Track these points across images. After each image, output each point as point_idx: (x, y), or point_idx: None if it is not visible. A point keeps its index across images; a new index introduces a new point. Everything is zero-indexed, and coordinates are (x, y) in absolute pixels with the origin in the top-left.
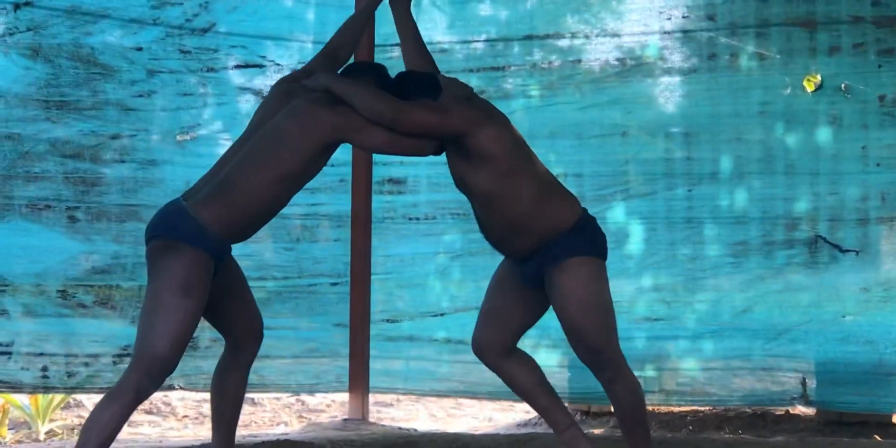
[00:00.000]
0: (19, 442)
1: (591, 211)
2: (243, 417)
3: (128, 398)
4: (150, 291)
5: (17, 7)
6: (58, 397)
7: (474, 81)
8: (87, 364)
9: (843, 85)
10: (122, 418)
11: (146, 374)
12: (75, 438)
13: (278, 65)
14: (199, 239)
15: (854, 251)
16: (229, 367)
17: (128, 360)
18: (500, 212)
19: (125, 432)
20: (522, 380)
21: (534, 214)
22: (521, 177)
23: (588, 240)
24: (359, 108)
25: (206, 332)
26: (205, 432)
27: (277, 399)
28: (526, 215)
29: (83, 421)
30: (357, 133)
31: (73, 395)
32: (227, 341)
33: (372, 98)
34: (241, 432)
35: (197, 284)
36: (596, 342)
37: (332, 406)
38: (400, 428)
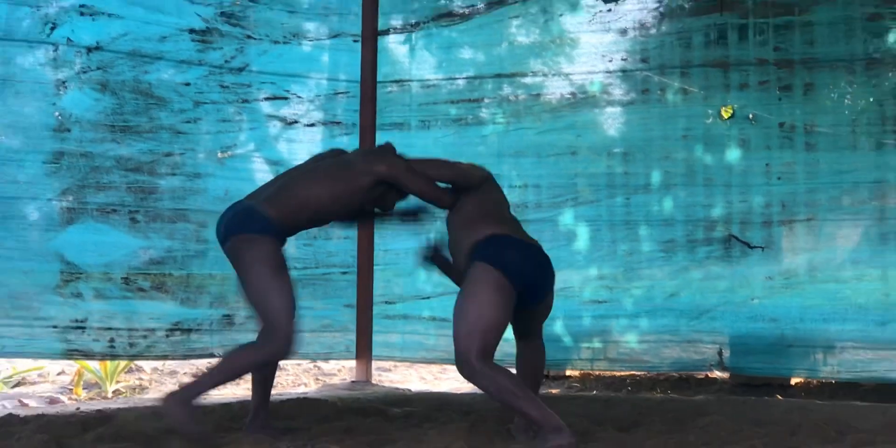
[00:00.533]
0: (91, 399)
1: (546, 215)
2: (286, 376)
3: (262, 356)
4: (251, 279)
5: (89, 50)
6: (122, 363)
7: (454, 111)
8: (145, 336)
9: (750, 114)
10: (252, 367)
11: (285, 343)
12: (138, 396)
13: (299, 97)
14: (270, 229)
15: (760, 247)
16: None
17: (178, 335)
18: None
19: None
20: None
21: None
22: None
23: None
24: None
25: (241, 311)
26: (240, 391)
27: (298, 365)
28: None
29: (143, 382)
30: (405, 178)
31: (135, 362)
32: None
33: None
34: (297, 391)
35: (284, 264)
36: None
37: (342, 371)
38: (397, 388)
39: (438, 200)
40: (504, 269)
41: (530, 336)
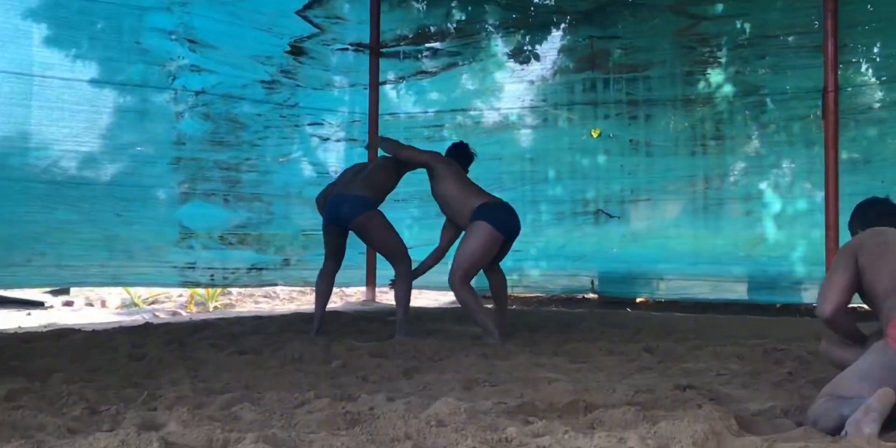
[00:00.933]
0: (199, 312)
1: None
2: (308, 298)
3: (408, 277)
4: (384, 235)
5: (197, 93)
6: (219, 290)
7: (426, 132)
8: (233, 273)
9: (611, 134)
10: (411, 286)
11: (410, 265)
12: (229, 310)
13: (330, 123)
14: (373, 204)
15: (617, 217)
16: (330, 272)
17: (254, 272)
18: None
19: (251, 305)
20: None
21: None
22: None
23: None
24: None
25: (294, 256)
26: (293, 306)
27: None
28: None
29: (232, 301)
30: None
31: (226, 289)
32: (332, 260)
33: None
34: (309, 306)
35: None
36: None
37: (356, 293)
38: (391, 305)
39: (420, 158)
40: (496, 225)
41: (494, 267)
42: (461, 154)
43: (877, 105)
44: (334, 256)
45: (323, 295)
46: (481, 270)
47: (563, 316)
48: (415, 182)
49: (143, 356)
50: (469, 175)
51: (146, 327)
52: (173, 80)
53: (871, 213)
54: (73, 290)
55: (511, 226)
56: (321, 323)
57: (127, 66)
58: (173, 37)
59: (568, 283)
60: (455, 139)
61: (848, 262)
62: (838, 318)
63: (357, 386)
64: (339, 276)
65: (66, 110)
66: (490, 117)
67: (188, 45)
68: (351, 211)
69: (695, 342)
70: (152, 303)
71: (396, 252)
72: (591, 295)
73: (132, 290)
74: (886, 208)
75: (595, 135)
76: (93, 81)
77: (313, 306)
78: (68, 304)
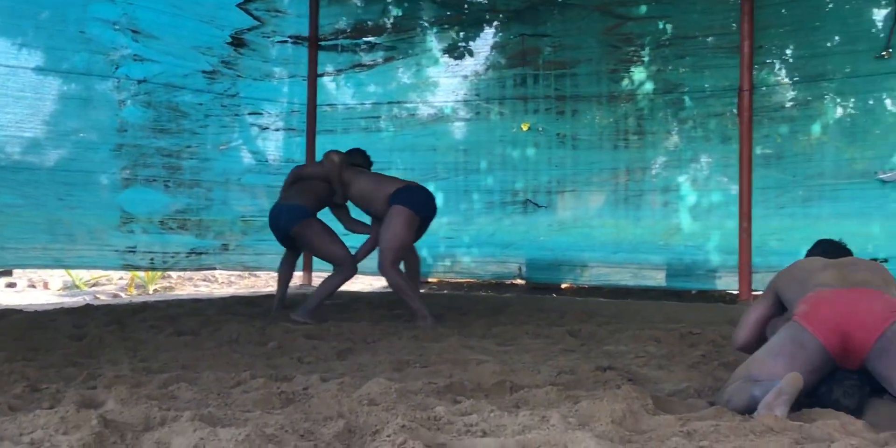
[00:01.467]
0: (139, 295)
1: None
2: (260, 281)
3: (342, 279)
4: (321, 242)
5: (139, 82)
6: (158, 273)
7: (364, 123)
8: (172, 257)
9: (540, 127)
10: (339, 286)
11: (351, 269)
12: (168, 293)
13: (270, 113)
14: (310, 212)
15: (544, 207)
16: (289, 260)
17: (193, 256)
18: None
19: (191, 288)
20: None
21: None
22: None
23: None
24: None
25: (233, 242)
26: (232, 290)
27: (268, 274)
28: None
29: (171, 284)
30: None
31: (166, 273)
32: (291, 251)
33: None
34: (247, 290)
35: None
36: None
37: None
38: None
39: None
40: (412, 207)
41: (411, 249)
42: (364, 158)
43: (789, 104)
44: (291, 249)
45: (283, 279)
46: None
47: (493, 300)
48: None
49: (83, 336)
50: (405, 165)
51: (87, 308)
52: (116, 68)
53: (811, 252)
54: (15, 271)
55: (427, 207)
56: (280, 303)
57: (71, 55)
58: (117, 27)
59: (497, 269)
60: (391, 130)
61: (766, 296)
62: (748, 349)
63: (292, 367)
64: (276, 261)
65: (10, 96)
66: (425, 110)
67: (131, 35)
68: (287, 221)
69: (615, 326)
70: (93, 285)
71: (335, 258)
72: (518, 281)
73: (74, 272)
74: (823, 246)
75: (525, 128)
76: (37, 69)
77: (252, 290)
78: (11, 285)
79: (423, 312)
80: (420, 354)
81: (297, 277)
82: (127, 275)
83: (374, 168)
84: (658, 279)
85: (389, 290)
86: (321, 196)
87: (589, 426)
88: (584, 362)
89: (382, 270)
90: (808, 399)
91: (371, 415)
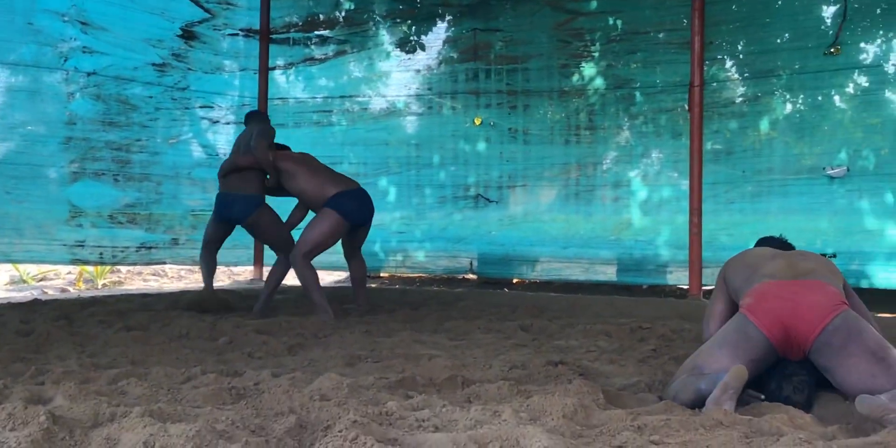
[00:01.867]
0: (88, 289)
1: (370, 181)
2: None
3: (287, 268)
4: (278, 229)
5: (89, 74)
6: (108, 267)
7: (315, 117)
8: (122, 251)
9: (491, 122)
10: (284, 276)
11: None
12: (117, 288)
13: (220, 106)
14: (262, 201)
15: (496, 201)
16: (215, 252)
17: (143, 251)
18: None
19: (140, 283)
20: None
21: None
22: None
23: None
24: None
25: (183, 236)
26: (182, 284)
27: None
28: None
29: (121, 279)
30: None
31: (115, 267)
32: (214, 241)
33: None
34: (198, 285)
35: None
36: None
37: (244, 273)
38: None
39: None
40: (343, 213)
41: (354, 254)
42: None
43: (739, 99)
44: (216, 238)
45: (210, 269)
46: (343, 255)
47: (444, 295)
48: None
49: (30, 332)
50: (358, 159)
51: (34, 303)
52: (65, 60)
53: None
54: None
55: (360, 214)
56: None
57: (19, 47)
58: (66, 18)
59: (449, 263)
60: (343, 124)
61: (719, 288)
62: None
63: (243, 362)
64: (227, 256)
65: None
66: (377, 104)
67: (80, 26)
68: (242, 211)
69: (566, 321)
70: (41, 280)
71: (283, 244)
72: (470, 275)
73: (21, 266)
74: (768, 243)
75: (477, 123)
76: None
77: (202, 285)
78: None
79: (325, 307)
80: (372, 349)
81: (248, 272)
82: (75, 269)
83: (326, 162)
84: (609, 274)
85: (340, 284)
86: (263, 184)
87: (540, 421)
88: (536, 357)
89: (293, 259)
90: (755, 389)
91: (322, 410)
